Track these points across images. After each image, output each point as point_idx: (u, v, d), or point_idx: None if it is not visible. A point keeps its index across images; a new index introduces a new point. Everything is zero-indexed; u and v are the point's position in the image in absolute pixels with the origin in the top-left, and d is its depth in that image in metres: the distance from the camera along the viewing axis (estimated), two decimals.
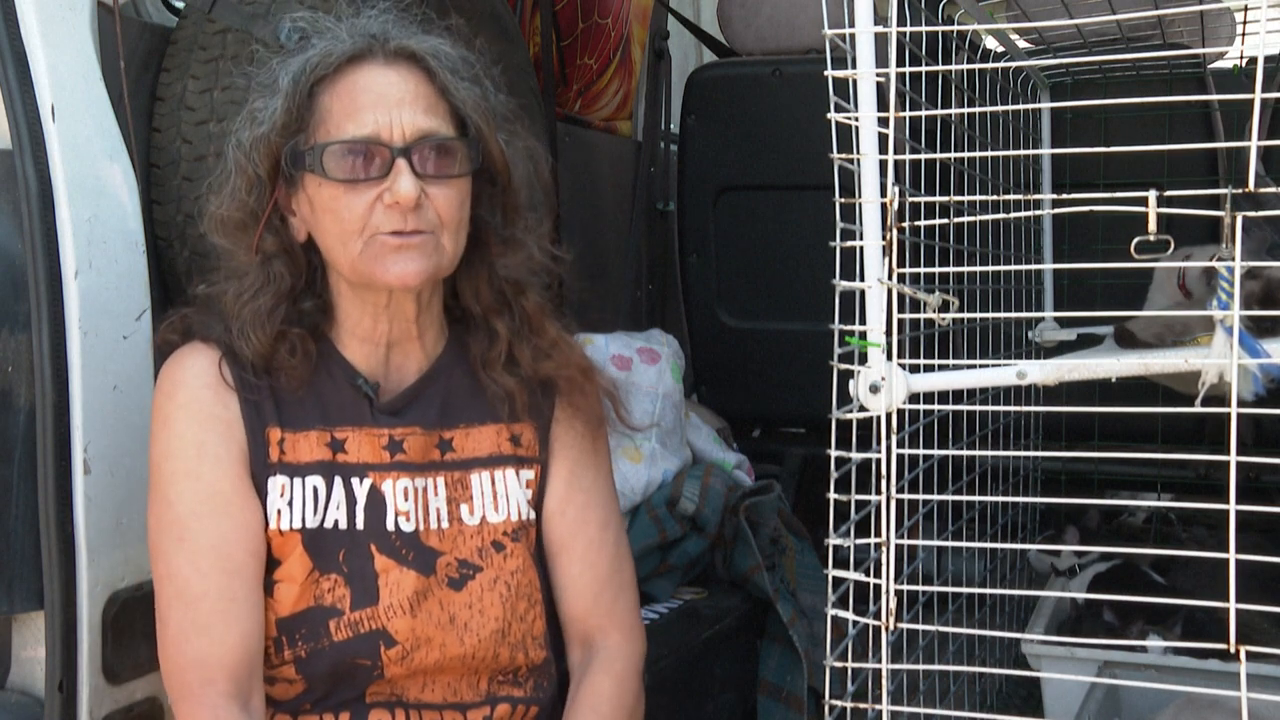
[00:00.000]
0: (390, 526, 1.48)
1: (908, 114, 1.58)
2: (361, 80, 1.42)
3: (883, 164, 1.44)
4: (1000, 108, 2.53)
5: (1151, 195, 1.35)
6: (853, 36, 1.43)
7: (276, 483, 1.46)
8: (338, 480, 1.47)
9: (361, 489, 1.48)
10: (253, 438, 1.46)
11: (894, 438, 1.48)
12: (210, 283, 1.53)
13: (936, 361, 1.58)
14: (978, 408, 2.38)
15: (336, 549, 1.46)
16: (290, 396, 1.48)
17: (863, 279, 1.46)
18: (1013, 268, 2.62)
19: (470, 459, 1.54)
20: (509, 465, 1.55)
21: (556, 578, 1.58)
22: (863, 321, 1.46)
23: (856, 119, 1.45)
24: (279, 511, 1.45)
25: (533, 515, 1.56)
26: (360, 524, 1.47)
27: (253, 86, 1.49)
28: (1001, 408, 2.53)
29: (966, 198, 1.89)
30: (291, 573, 1.44)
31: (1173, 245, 1.37)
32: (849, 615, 1.53)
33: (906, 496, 1.59)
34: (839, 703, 1.58)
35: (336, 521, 1.46)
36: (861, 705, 1.61)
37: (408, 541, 1.48)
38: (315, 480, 1.47)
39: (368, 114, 1.40)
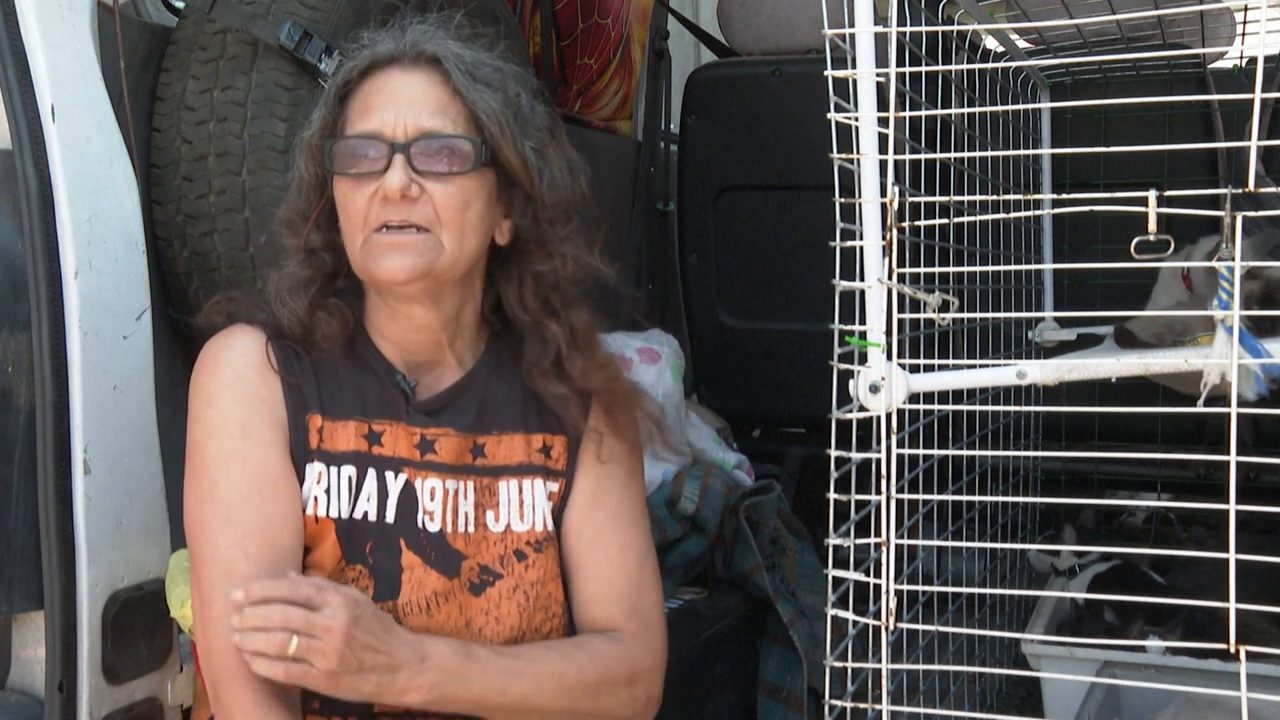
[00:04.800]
0: (419, 524, 1.48)
1: (908, 114, 1.58)
2: (379, 83, 1.47)
3: (883, 164, 1.44)
4: (1000, 108, 2.53)
5: (1151, 195, 1.35)
6: (853, 36, 1.43)
7: (314, 469, 1.46)
8: (371, 472, 1.48)
9: (396, 484, 1.48)
10: (294, 422, 1.47)
11: (894, 438, 1.48)
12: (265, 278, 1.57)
13: (936, 361, 1.58)
14: (978, 408, 2.38)
15: (365, 541, 1.46)
16: (331, 385, 1.49)
17: (863, 279, 1.46)
18: (1013, 268, 2.62)
19: (500, 466, 1.54)
20: (537, 475, 1.55)
21: (574, 594, 1.57)
22: (863, 321, 1.46)
23: (856, 119, 1.45)
24: (316, 498, 1.46)
25: (554, 528, 1.56)
26: (391, 518, 1.47)
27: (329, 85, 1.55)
28: (1001, 408, 2.53)
29: (966, 198, 1.89)
30: (321, 561, 1.45)
31: (1173, 245, 1.37)
32: (849, 615, 1.53)
33: (906, 496, 1.59)
34: (839, 703, 1.58)
35: (366, 513, 1.47)
36: (861, 705, 1.61)
37: (433, 541, 1.48)
38: (349, 470, 1.47)
39: (376, 113, 1.45)
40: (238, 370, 1.46)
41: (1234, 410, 1.35)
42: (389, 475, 1.48)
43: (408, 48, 1.47)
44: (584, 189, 1.58)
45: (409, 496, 1.48)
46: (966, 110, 2.27)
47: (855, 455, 1.52)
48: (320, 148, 1.48)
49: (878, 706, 1.55)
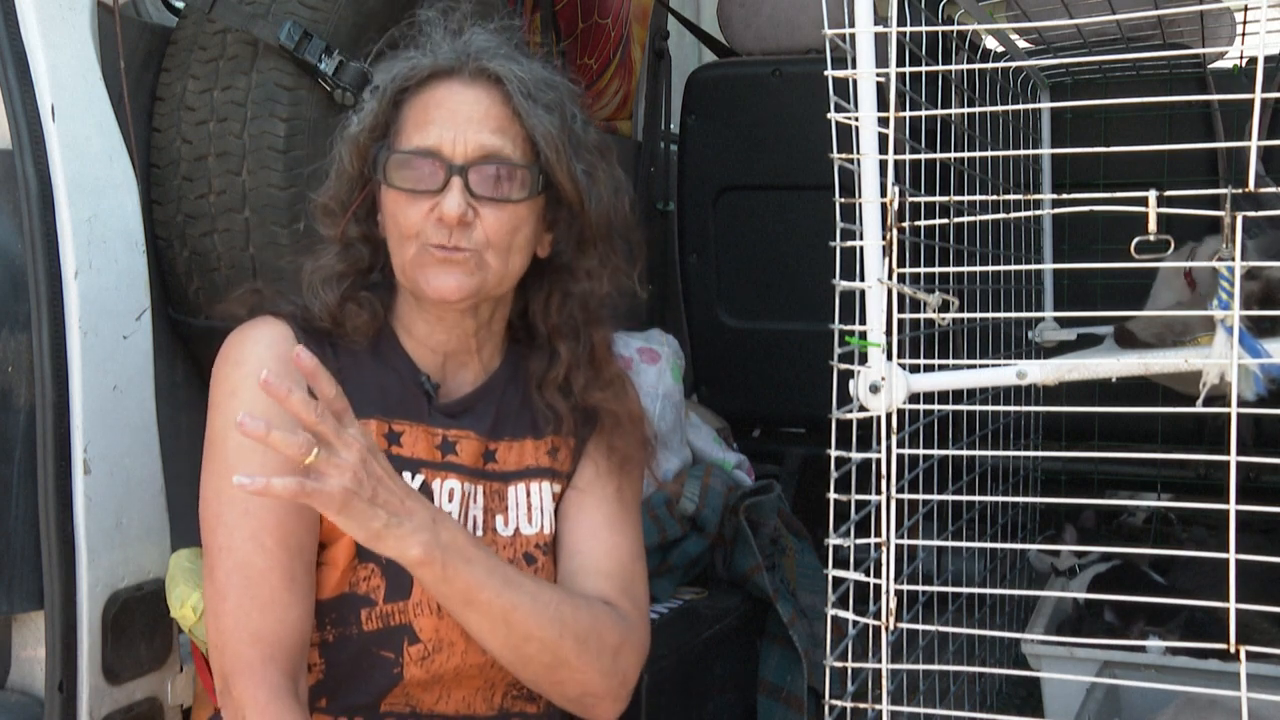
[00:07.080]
0: None
1: (908, 114, 1.58)
2: (438, 95, 1.46)
3: (883, 164, 1.44)
4: (1000, 108, 2.53)
5: (1151, 195, 1.35)
6: (853, 36, 1.43)
7: None
8: None
9: (413, 484, 1.47)
10: None
11: (894, 438, 1.48)
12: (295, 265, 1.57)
13: (936, 361, 1.58)
14: (978, 408, 2.38)
15: None
16: (354, 383, 1.48)
17: (863, 279, 1.46)
18: (1013, 268, 2.62)
19: (510, 471, 1.55)
20: (544, 478, 1.56)
21: (563, 570, 1.55)
22: (863, 321, 1.46)
23: (856, 119, 1.45)
24: None
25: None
26: None
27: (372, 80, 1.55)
28: (1001, 408, 2.53)
29: (966, 198, 1.89)
30: (335, 557, 1.45)
31: (1173, 245, 1.37)
32: (849, 615, 1.53)
33: (906, 496, 1.59)
34: (839, 703, 1.58)
35: None
36: (861, 705, 1.61)
37: None
38: None
39: (434, 128, 1.44)
40: (261, 363, 1.44)
41: (1234, 410, 1.35)
42: (406, 476, 1.47)
43: (469, 61, 1.46)
44: (627, 211, 1.57)
45: (425, 497, 1.48)
46: (966, 110, 2.27)
47: (855, 455, 1.52)
48: (369, 149, 1.47)
49: (878, 706, 1.55)
